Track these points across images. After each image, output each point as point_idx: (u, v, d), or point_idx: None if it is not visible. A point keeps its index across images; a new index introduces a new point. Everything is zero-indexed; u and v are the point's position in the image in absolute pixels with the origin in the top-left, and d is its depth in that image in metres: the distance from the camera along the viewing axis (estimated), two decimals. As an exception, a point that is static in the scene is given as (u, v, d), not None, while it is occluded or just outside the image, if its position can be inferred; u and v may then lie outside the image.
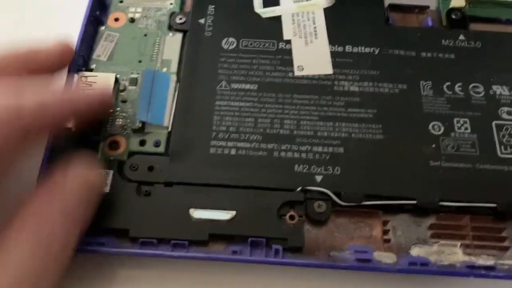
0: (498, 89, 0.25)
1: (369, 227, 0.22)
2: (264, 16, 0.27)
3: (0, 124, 0.17)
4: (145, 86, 0.24)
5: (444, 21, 0.27)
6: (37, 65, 0.22)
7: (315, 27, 0.26)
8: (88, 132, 0.23)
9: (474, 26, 0.27)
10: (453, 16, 0.27)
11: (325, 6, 0.26)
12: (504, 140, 0.23)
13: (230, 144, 0.23)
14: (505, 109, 0.24)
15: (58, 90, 0.22)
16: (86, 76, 0.24)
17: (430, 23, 0.27)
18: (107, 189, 0.22)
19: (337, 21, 0.27)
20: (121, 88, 0.25)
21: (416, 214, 0.22)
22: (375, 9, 0.27)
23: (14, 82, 0.19)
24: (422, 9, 0.28)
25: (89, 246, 0.20)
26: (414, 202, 0.22)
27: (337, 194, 0.22)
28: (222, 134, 0.23)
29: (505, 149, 0.23)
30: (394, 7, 0.28)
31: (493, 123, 0.24)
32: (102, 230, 0.21)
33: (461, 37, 0.26)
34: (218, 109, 0.24)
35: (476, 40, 0.26)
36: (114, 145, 0.23)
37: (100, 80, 0.24)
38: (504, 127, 0.24)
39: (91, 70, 0.25)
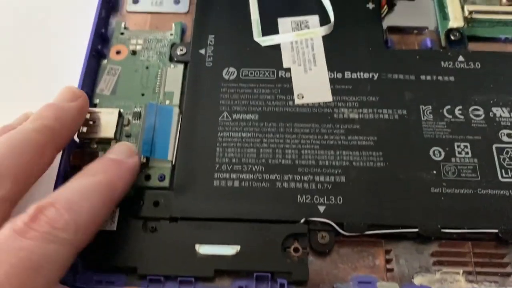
0: (498, 111, 0.25)
1: (372, 256, 0.22)
2: (263, 44, 0.27)
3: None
4: (148, 120, 0.24)
5: (443, 41, 0.27)
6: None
7: (314, 54, 0.27)
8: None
9: (473, 46, 0.27)
10: (452, 37, 0.27)
11: (323, 34, 0.27)
12: (505, 163, 0.24)
13: (233, 176, 0.24)
14: (505, 131, 0.24)
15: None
16: (90, 113, 0.25)
17: (429, 44, 0.27)
18: (114, 226, 0.22)
19: (335, 47, 0.27)
20: (125, 122, 0.25)
21: (419, 241, 0.22)
22: (374, 33, 0.27)
23: None
24: (421, 30, 0.28)
25: (99, 285, 0.21)
26: (416, 230, 0.22)
27: (340, 224, 0.22)
28: (225, 166, 0.24)
29: (506, 173, 0.23)
30: (392, 29, 0.28)
31: (494, 147, 0.24)
32: (111, 268, 0.22)
33: (461, 58, 0.26)
34: (220, 140, 0.24)
35: (476, 61, 0.26)
36: (120, 181, 0.24)
37: (104, 116, 0.25)
38: (505, 150, 0.24)
39: (95, 105, 0.26)
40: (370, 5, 0.28)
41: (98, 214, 0.20)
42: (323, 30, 0.27)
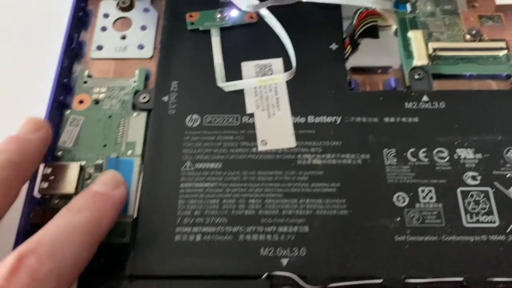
0: (462, 153, 0.25)
1: (336, 309, 0.22)
2: (226, 90, 0.27)
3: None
4: (109, 174, 0.24)
5: (407, 80, 0.27)
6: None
7: (277, 98, 0.26)
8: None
9: (439, 84, 0.27)
10: (416, 76, 0.27)
11: (285, 80, 0.27)
12: (469, 208, 0.23)
13: (195, 229, 0.23)
14: (470, 174, 0.24)
15: None
16: (51, 167, 0.24)
17: (393, 84, 0.27)
18: (74, 287, 0.22)
19: (299, 90, 0.27)
20: (86, 176, 0.25)
21: (383, 292, 0.22)
22: (337, 75, 0.27)
23: None
24: (385, 69, 0.28)
25: None
26: (380, 281, 0.22)
27: (304, 277, 0.22)
28: (187, 219, 0.23)
29: (471, 217, 0.23)
30: (356, 70, 0.28)
31: (458, 190, 0.24)
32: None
33: (425, 98, 0.26)
34: (183, 191, 0.24)
35: (440, 100, 0.26)
36: (81, 238, 0.23)
37: (65, 170, 0.24)
38: (469, 194, 0.24)
39: (57, 158, 0.26)
40: (334, 46, 0.28)
41: (82, 256, 0.20)
42: (285, 76, 0.26)
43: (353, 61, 0.28)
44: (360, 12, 0.28)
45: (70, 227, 0.20)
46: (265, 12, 0.29)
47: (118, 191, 0.22)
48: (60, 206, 0.24)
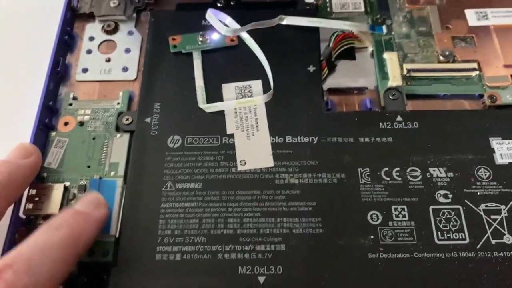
0: (434, 172, 0.26)
1: (311, 326, 0.23)
2: (207, 111, 0.28)
3: None
4: (92, 195, 0.25)
5: (382, 101, 0.28)
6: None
7: (256, 119, 0.27)
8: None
9: (413, 104, 0.28)
10: (391, 97, 0.28)
11: (264, 102, 0.27)
12: (441, 225, 0.24)
13: (175, 249, 0.24)
14: (442, 192, 0.25)
15: None
16: (36, 188, 0.25)
17: (368, 105, 0.28)
18: (56, 308, 0.23)
19: (277, 111, 0.28)
20: (70, 197, 0.26)
21: (357, 310, 0.23)
22: (314, 96, 0.28)
23: None
24: (361, 90, 0.29)
25: None
26: (354, 298, 0.23)
27: (279, 295, 0.23)
28: (168, 238, 0.24)
29: (442, 235, 0.24)
30: (333, 91, 0.29)
31: (430, 208, 0.25)
32: None
33: (399, 118, 0.27)
34: (163, 211, 0.25)
35: (413, 120, 0.27)
36: (64, 258, 0.24)
37: (50, 191, 0.25)
38: (441, 212, 0.24)
39: (42, 179, 0.26)
40: (311, 68, 0.29)
41: (60, 271, 0.20)
42: (263, 98, 0.27)
43: (330, 82, 0.29)
44: (337, 35, 0.29)
45: (48, 244, 0.20)
46: (245, 36, 0.30)
47: (99, 212, 0.23)
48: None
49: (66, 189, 0.26)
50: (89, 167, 0.26)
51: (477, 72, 0.29)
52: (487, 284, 0.23)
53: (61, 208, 0.25)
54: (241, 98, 0.28)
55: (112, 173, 0.26)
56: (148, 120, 0.27)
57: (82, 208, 0.23)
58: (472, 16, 0.30)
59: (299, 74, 0.29)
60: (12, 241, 0.24)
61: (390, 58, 0.29)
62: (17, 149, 0.25)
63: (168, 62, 0.29)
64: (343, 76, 0.29)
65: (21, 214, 0.25)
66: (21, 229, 0.25)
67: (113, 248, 0.24)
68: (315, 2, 0.32)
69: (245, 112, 0.28)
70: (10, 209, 0.24)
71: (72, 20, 0.32)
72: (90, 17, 0.32)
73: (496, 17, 0.30)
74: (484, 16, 0.30)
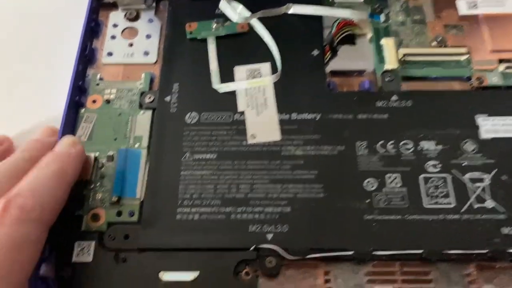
0: (425, 145, 0.28)
1: (313, 277, 0.26)
2: (220, 91, 0.31)
3: None
4: (119, 164, 0.28)
5: (379, 82, 0.31)
6: None
7: (265, 98, 0.30)
8: (72, 207, 0.27)
9: (407, 85, 0.31)
10: (387, 78, 0.31)
11: (272, 82, 0.30)
12: (430, 192, 0.27)
13: (193, 210, 0.27)
14: (431, 162, 0.28)
15: None
16: (69, 158, 0.28)
17: (366, 86, 0.31)
18: (90, 258, 0.26)
19: (284, 91, 0.31)
20: (99, 165, 0.29)
21: (354, 263, 0.26)
22: (318, 77, 0.31)
23: None
24: (360, 72, 0.32)
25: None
26: (351, 253, 0.26)
27: (286, 249, 0.26)
28: (187, 201, 0.27)
29: (430, 200, 0.27)
30: (335, 73, 0.32)
31: (421, 177, 0.28)
32: (86, 295, 0.25)
33: (394, 97, 0.30)
34: (183, 178, 0.28)
35: (408, 100, 0.30)
36: (95, 218, 0.27)
37: (82, 160, 0.28)
38: (430, 180, 0.27)
39: (74, 150, 0.29)
40: (315, 52, 0.32)
41: (57, 195, 0.25)
42: (271, 79, 0.30)
43: (332, 66, 0.32)
44: (339, 22, 0.32)
45: (43, 176, 0.25)
46: (255, 23, 0.32)
47: (75, 149, 0.27)
48: (78, 193, 0.28)
49: (95, 158, 0.29)
50: (115, 139, 0.30)
51: (466, 56, 0.31)
52: (470, 241, 0.26)
53: (91, 174, 0.28)
54: (252, 79, 0.31)
55: (137, 145, 0.29)
56: (168, 98, 0.31)
57: (61, 149, 0.27)
58: (463, 6, 0.33)
59: (304, 57, 0.32)
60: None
61: (387, 43, 0.32)
62: (62, 140, 0.28)
63: (185, 47, 0.32)
64: (344, 60, 0.32)
65: (56, 180, 0.28)
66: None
67: (138, 210, 0.27)
68: (320, -10, 0.35)
69: (255, 92, 0.31)
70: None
71: (98, 9, 0.35)
72: (113, 6, 0.35)
73: (485, 6, 0.33)
74: (474, 5, 0.33)
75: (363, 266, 0.26)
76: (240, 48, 0.32)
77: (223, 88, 0.31)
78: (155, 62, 0.33)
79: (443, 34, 0.32)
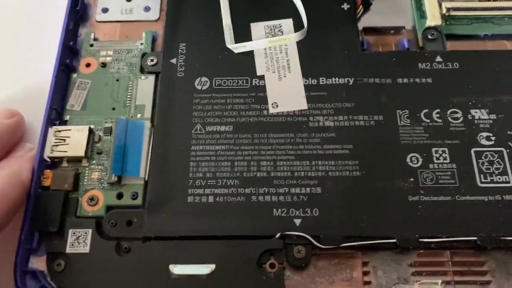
0: (476, 113, 0.24)
1: (349, 269, 0.22)
2: (236, 51, 0.26)
3: None
4: (119, 137, 0.24)
5: (420, 41, 0.27)
6: None
7: (288, 60, 0.26)
8: (67, 190, 0.23)
9: (452, 45, 0.27)
10: (430, 36, 0.26)
11: (297, 40, 0.26)
12: (484, 168, 0.23)
13: (207, 191, 0.23)
14: (484, 134, 0.24)
15: None
16: (59, 131, 0.24)
17: (406, 45, 0.27)
18: (86, 249, 0.22)
19: (310, 52, 0.26)
20: (95, 139, 0.25)
21: (396, 252, 0.22)
22: (349, 35, 0.26)
23: None
24: (397, 30, 0.27)
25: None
26: (394, 240, 0.22)
27: (316, 237, 0.22)
28: (199, 181, 0.23)
29: (485, 177, 0.23)
30: (368, 30, 0.27)
31: (472, 151, 0.24)
32: (84, 293, 0.21)
33: (438, 58, 0.26)
34: (194, 154, 0.24)
35: (454, 61, 0.26)
36: (92, 200, 0.23)
37: (74, 133, 0.24)
38: (483, 154, 0.23)
39: (65, 122, 0.25)
40: (345, 6, 0.27)
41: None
42: (296, 37, 0.26)
43: (365, 22, 0.27)
44: (372, -29, 0.27)
45: None
46: (276, -28, 0.28)
47: (12, 120, 0.25)
48: (70, 169, 0.24)
49: (91, 131, 0.25)
50: (114, 109, 0.25)
51: (521, 11, 0.27)
52: (531, 227, 0.22)
53: (86, 150, 0.24)
54: (272, 37, 0.26)
55: (139, 115, 0.25)
56: (173, 61, 0.26)
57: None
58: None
59: (333, 12, 0.27)
60: (38, 184, 0.23)
61: (429, -4, 0.27)
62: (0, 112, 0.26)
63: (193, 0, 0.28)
64: (379, 15, 0.28)
65: (45, 156, 0.24)
66: (46, 171, 0.24)
67: (142, 191, 0.23)
68: None
69: (275, 53, 0.26)
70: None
71: (89, -43, 0.30)
72: (107, -46, 0.30)
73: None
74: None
75: (407, 256, 0.22)
76: (257, 1, 0.28)
77: (238, 48, 0.26)
78: (158, 19, 0.28)
79: (493, -15, 0.28)
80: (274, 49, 0.26)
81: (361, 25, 0.27)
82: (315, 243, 0.22)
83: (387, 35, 0.27)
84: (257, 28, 0.27)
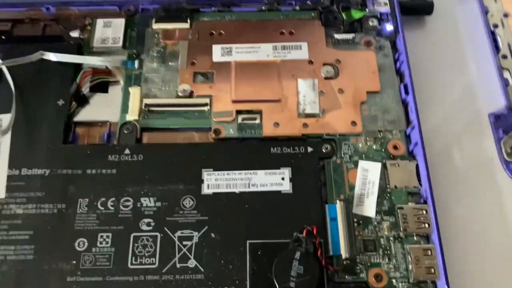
0: (145, 201, 0.29)
1: None
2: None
3: None
4: None
5: (117, 134, 0.31)
6: None
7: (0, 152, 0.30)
8: None
9: (149, 136, 0.31)
10: (125, 131, 0.31)
11: (2, 136, 0.30)
12: (137, 251, 0.28)
13: None
14: (146, 220, 0.28)
15: None
16: None
17: (106, 138, 0.31)
18: None
19: (21, 143, 0.30)
20: None
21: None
22: (56, 129, 0.31)
23: None
24: (104, 123, 0.32)
25: None
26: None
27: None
28: None
29: (136, 260, 0.27)
30: (80, 124, 0.32)
31: (132, 235, 0.28)
32: None
33: (127, 151, 0.30)
34: None
35: (139, 153, 0.30)
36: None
37: None
38: (140, 238, 0.28)
39: None
40: (60, 102, 0.32)
41: None
42: (2, 133, 0.30)
43: (80, 116, 0.32)
44: (84, 71, 0.32)
45: None
46: (4, 70, 0.32)
47: None
48: None
49: None
50: None
51: (208, 107, 0.31)
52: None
53: None
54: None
55: None
56: None
57: None
58: (217, 52, 0.33)
59: (48, 107, 0.31)
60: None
61: (133, 92, 0.32)
62: None
63: None
64: (93, 108, 0.32)
65: None
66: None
67: None
68: (81, 36, 0.34)
69: (-10, 145, 0.30)
70: None
71: None
72: None
73: (239, 52, 0.33)
74: (228, 51, 0.33)
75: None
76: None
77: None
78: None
79: (191, 83, 0.32)
80: (-12, 143, 0.31)
81: (77, 118, 0.32)
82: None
83: (96, 127, 0.32)
84: (-18, 122, 0.31)
